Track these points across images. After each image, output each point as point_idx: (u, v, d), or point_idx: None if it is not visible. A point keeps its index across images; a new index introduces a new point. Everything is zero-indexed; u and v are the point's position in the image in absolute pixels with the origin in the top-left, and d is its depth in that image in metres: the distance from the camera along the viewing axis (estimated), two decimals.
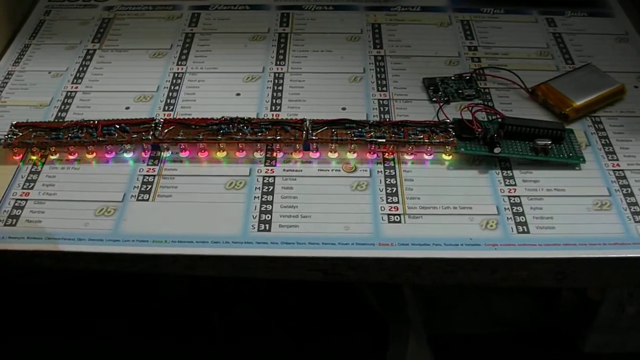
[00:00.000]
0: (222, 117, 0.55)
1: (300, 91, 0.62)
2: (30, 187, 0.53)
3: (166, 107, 0.60)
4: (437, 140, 0.54)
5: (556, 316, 0.78)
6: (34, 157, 0.55)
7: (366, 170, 0.54)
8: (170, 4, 0.73)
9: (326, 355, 0.75)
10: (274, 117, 0.58)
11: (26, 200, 0.52)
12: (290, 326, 0.77)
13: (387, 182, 0.53)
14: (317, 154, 0.55)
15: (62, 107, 0.60)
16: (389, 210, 0.51)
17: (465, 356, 0.75)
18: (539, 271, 0.48)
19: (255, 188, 0.52)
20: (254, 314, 0.78)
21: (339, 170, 0.54)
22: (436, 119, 0.58)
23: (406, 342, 0.71)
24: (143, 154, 0.55)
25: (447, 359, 0.73)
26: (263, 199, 0.51)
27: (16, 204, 0.51)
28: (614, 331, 0.74)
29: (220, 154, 0.55)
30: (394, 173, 0.54)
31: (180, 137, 0.54)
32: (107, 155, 0.55)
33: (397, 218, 0.50)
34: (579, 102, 0.58)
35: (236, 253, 0.48)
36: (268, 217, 0.50)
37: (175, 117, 0.59)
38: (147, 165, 0.54)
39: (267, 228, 0.49)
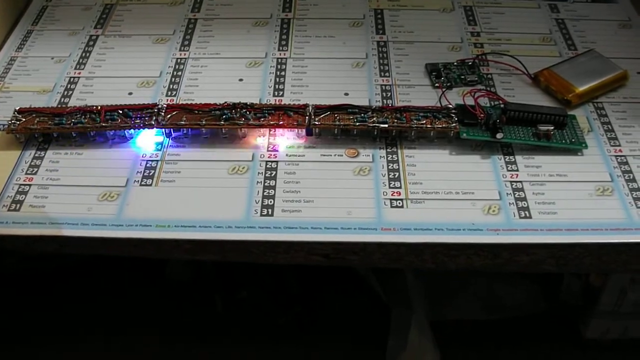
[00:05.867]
0: (225, 102, 0.56)
1: (303, 76, 0.62)
2: (33, 172, 0.53)
3: (169, 93, 0.60)
4: (440, 126, 0.54)
5: (558, 302, 0.78)
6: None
7: (369, 155, 0.54)
8: None
9: (329, 340, 0.75)
10: (277, 103, 0.58)
11: (30, 185, 0.52)
12: (293, 310, 0.77)
13: (390, 167, 0.53)
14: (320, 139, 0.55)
15: (65, 92, 0.60)
16: (392, 195, 0.51)
17: (467, 341, 0.75)
18: (540, 256, 0.49)
19: (258, 173, 0.52)
20: (257, 299, 0.78)
21: (342, 155, 0.54)
22: (439, 105, 0.57)
23: (408, 326, 0.71)
24: (146, 139, 0.55)
25: (449, 344, 0.73)
26: (266, 184, 0.52)
27: (20, 189, 0.51)
28: (616, 317, 0.74)
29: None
30: (396, 158, 0.54)
31: (183, 123, 0.54)
32: (110, 141, 0.55)
33: (399, 203, 0.50)
34: (581, 88, 0.58)
35: (239, 238, 0.48)
36: (271, 202, 0.50)
37: (178, 102, 0.59)
38: (150, 150, 0.55)
39: (270, 213, 0.49)
